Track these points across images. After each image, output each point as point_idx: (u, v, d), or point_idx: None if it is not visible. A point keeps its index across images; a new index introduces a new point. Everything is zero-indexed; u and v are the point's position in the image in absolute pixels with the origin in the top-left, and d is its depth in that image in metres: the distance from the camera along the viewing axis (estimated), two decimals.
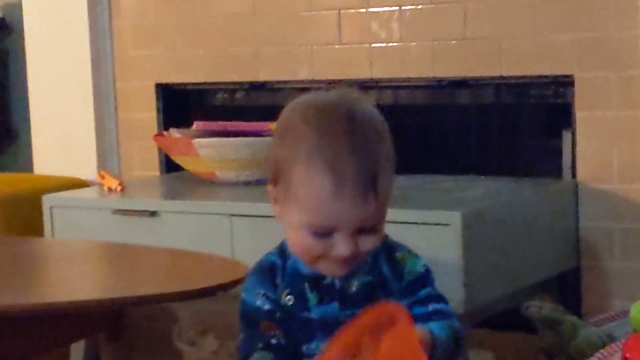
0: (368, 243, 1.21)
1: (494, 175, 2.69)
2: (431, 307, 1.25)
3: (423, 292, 1.26)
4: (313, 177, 1.17)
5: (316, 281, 1.26)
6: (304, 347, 1.26)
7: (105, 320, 2.14)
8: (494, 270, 2.26)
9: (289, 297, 1.27)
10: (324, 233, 1.19)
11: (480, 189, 2.49)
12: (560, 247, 2.53)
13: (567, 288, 2.58)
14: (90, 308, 1.94)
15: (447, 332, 1.22)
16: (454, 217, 2.14)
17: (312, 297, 1.26)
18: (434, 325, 1.22)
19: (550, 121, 2.70)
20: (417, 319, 1.21)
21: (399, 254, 1.29)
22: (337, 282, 1.25)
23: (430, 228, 2.15)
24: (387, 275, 1.27)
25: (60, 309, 1.89)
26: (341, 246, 1.19)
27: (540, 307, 2.12)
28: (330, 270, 1.24)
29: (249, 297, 1.29)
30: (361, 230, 1.20)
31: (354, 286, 1.25)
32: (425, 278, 1.28)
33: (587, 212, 2.54)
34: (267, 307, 1.27)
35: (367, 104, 1.26)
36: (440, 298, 1.28)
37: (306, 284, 1.27)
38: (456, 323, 1.25)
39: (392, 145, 1.25)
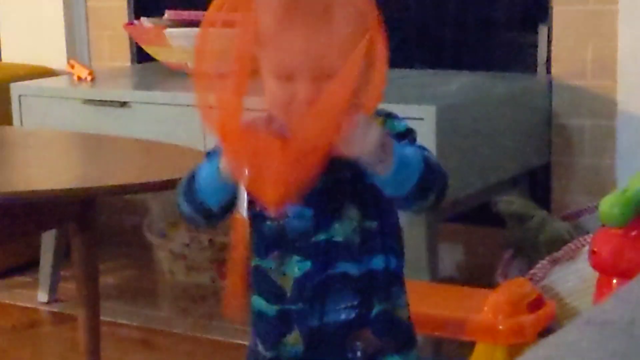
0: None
1: (469, 70, 2.67)
2: (404, 142, 1.24)
3: (399, 138, 1.25)
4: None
5: None
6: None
7: (75, 210, 2.13)
8: (467, 165, 2.26)
9: None
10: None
11: (455, 84, 2.47)
12: (533, 143, 2.53)
13: (538, 184, 2.59)
14: (59, 197, 1.92)
15: (410, 145, 1.21)
16: (429, 111, 2.13)
17: None
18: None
19: (526, 15, 2.67)
20: None
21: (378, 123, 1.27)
22: None
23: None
24: None
25: (28, 198, 1.87)
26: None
27: (510, 202, 2.14)
28: None
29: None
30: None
31: None
32: (405, 134, 1.27)
33: (560, 108, 2.53)
34: None
35: None
36: (419, 145, 1.26)
37: None
38: (432, 157, 1.23)
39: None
